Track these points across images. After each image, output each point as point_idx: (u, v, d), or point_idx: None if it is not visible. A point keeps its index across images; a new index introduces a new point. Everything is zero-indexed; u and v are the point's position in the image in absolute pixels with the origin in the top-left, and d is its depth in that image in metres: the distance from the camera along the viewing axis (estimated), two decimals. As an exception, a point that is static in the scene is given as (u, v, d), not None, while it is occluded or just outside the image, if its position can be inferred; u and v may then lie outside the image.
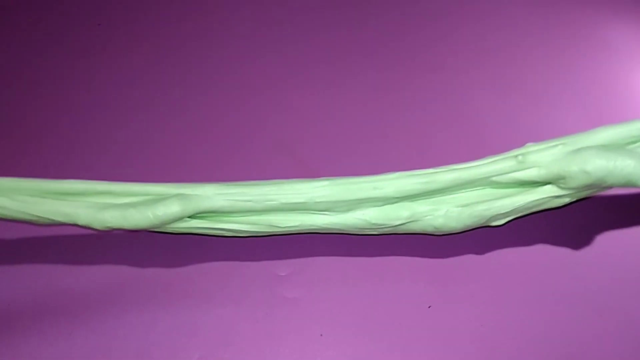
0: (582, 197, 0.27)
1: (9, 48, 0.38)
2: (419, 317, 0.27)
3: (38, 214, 0.26)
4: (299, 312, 0.27)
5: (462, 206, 0.26)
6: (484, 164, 0.26)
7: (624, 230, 0.29)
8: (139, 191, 0.27)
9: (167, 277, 0.28)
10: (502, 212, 0.26)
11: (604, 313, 0.26)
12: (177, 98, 0.35)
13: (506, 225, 0.27)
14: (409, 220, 0.26)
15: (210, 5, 0.40)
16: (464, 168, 0.26)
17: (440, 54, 0.37)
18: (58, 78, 0.37)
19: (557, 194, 0.26)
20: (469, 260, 0.28)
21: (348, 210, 0.26)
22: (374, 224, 0.26)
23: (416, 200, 0.27)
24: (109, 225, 0.26)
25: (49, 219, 0.26)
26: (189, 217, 0.27)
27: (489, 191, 0.27)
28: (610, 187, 0.25)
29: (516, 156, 0.26)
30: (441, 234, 0.27)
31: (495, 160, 0.26)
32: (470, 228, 0.27)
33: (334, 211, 0.27)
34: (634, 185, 0.25)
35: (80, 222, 0.26)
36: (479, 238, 0.29)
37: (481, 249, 0.28)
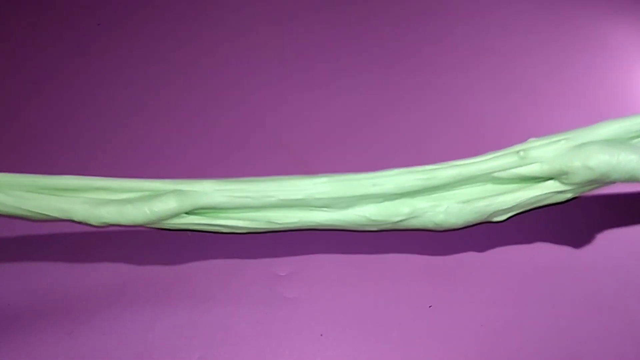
0: (584, 192, 0.27)
1: (9, 48, 0.38)
2: (419, 316, 0.26)
3: (34, 210, 0.26)
4: (299, 312, 0.27)
5: (463, 202, 0.26)
6: (485, 160, 0.26)
7: (627, 229, 0.29)
8: (135, 187, 0.27)
9: (167, 277, 0.28)
10: (504, 207, 0.26)
11: (604, 313, 0.26)
12: (176, 97, 0.35)
13: (507, 223, 0.27)
14: (409, 217, 0.26)
15: (210, 5, 0.40)
16: (465, 164, 0.26)
17: (440, 53, 0.37)
18: (58, 78, 0.37)
19: (559, 190, 0.26)
20: (470, 258, 0.28)
21: (347, 206, 0.26)
22: (373, 220, 0.26)
23: (416, 196, 0.26)
24: (105, 221, 0.26)
25: (44, 214, 0.26)
26: (186, 213, 0.26)
27: (490, 187, 0.27)
28: (613, 182, 0.25)
29: (518, 152, 0.26)
30: (442, 229, 0.27)
31: (496, 156, 0.26)
32: (471, 224, 0.27)
33: (333, 208, 0.26)
34: (637, 180, 0.24)
35: (76, 218, 0.26)
36: (480, 236, 0.29)
37: (482, 247, 0.28)
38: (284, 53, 0.37)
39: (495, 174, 0.26)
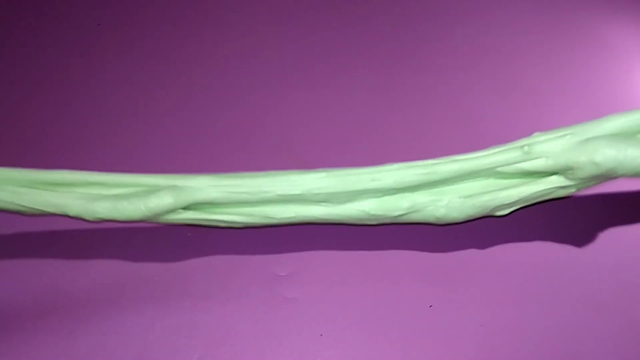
0: (588, 186, 0.26)
1: (8, 47, 0.38)
2: (419, 316, 0.26)
3: (27, 205, 0.26)
4: (299, 312, 0.27)
5: (465, 197, 0.26)
6: (488, 155, 0.25)
7: (629, 229, 0.29)
8: (130, 182, 0.26)
9: (167, 277, 0.28)
10: (506, 202, 0.26)
11: (605, 313, 0.26)
12: (176, 97, 0.35)
13: (508, 221, 0.27)
14: (409, 211, 0.26)
15: (210, 5, 0.40)
16: (467, 159, 0.25)
17: (440, 53, 0.37)
18: (58, 78, 0.37)
19: (563, 185, 0.25)
20: (471, 257, 0.28)
21: (346, 201, 0.26)
22: (372, 214, 0.26)
23: (416, 191, 0.26)
24: (100, 216, 0.26)
25: (38, 209, 0.26)
26: (182, 208, 0.26)
27: (492, 181, 0.26)
28: (619, 177, 0.25)
29: (522, 146, 0.25)
30: (443, 223, 0.27)
31: (499, 151, 0.25)
32: (473, 218, 0.26)
33: (331, 202, 0.26)
34: None
35: (70, 213, 0.26)
36: (481, 235, 0.29)
37: (483, 245, 0.28)
38: (283, 52, 0.37)
39: (499, 169, 0.25)
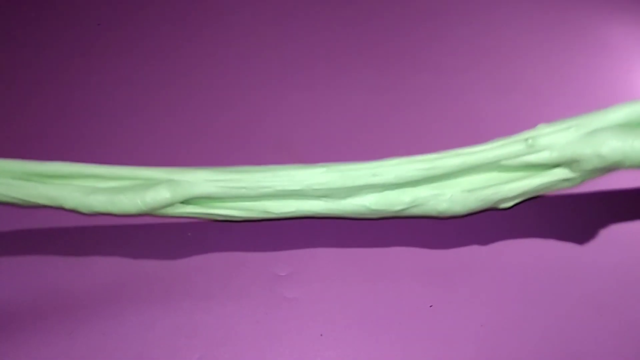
0: (592, 178, 0.26)
1: (8, 47, 0.38)
2: (419, 316, 0.26)
3: (22, 197, 0.26)
4: (299, 312, 0.27)
5: (468, 191, 0.25)
6: (491, 148, 0.25)
7: (630, 228, 0.29)
8: (127, 175, 0.26)
9: (167, 277, 0.28)
10: (510, 195, 0.25)
11: (605, 313, 0.26)
12: (176, 97, 0.35)
13: (508, 220, 0.27)
14: (410, 206, 0.25)
15: (209, 4, 0.40)
16: (470, 152, 0.25)
17: (440, 53, 0.37)
18: (57, 78, 0.37)
19: (567, 177, 0.25)
20: (471, 256, 0.28)
21: (346, 196, 0.26)
22: (373, 209, 0.26)
23: (418, 185, 0.26)
24: (96, 210, 0.25)
25: (33, 202, 0.26)
26: (179, 202, 0.26)
27: (495, 175, 0.26)
28: (626, 168, 0.24)
29: (526, 139, 0.25)
30: (445, 217, 0.26)
31: (503, 144, 0.25)
32: (476, 211, 0.26)
33: (331, 198, 0.26)
34: None
35: (66, 206, 0.25)
36: (482, 233, 0.29)
37: (484, 244, 0.28)
38: (284, 51, 0.37)
39: (502, 162, 0.25)
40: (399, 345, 0.26)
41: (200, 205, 0.26)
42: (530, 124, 0.33)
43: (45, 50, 0.38)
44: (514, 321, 0.26)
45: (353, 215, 0.26)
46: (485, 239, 0.29)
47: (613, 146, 0.23)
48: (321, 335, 0.26)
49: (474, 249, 0.28)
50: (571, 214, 0.29)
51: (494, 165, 0.25)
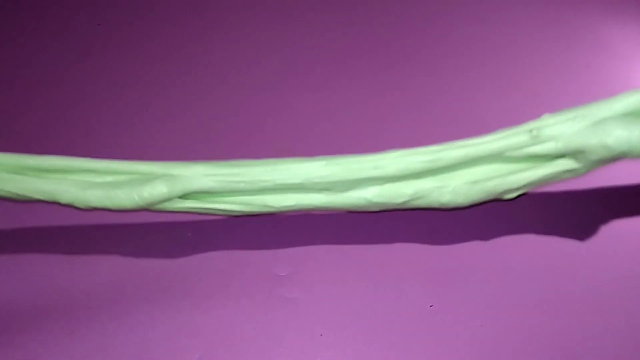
0: (596, 168, 0.25)
1: (8, 47, 0.38)
2: (419, 316, 0.26)
3: (17, 192, 0.25)
4: (299, 312, 0.27)
5: (471, 183, 0.25)
6: (494, 140, 0.25)
7: (635, 223, 0.29)
8: (124, 169, 0.26)
9: (167, 277, 0.28)
10: (514, 187, 0.25)
11: (605, 313, 0.26)
12: (176, 98, 0.35)
13: (508, 220, 0.27)
14: (412, 198, 0.25)
15: (210, 5, 0.40)
16: (473, 144, 0.25)
17: (441, 54, 0.37)
18: (57, 78, 0.37)
19: (572, 167, 0.25)
20: (471, 256, 0.28)
21: (347, 189, 0.25)
22: (374, 202, 0.25)
23: (420, 177, 0.25)
24: (92, 205, 0.25)
25: (28, 196, 0.25)
26: (177, 197, 0.26)
27: (498, 166, 0.25)
28: (632, 158, 0.24)
29: (530, 130, 0.24)
30: (448, 209, 0.26)
31: (507, 135, 0.24)
32: (479, 202, 0.26)
33: (332, 191, 0.25)
34: None
35: (62, 201, 0.25)
36: (482, 233, 0.28)
37: (484, 243, 0.28)
38: (285, 53, 0.37)
39: (506, 154, 0.25)
40: (399, 345, 0.26)
41: (198, 199, 0.26)
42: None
43: (45, 50, 0.38)
44: (514, 321, 0.26)
45: (354, 209, 0.26)
46: (485, 238, 0.29)
47: (619, 136, 0.23)
48: (321, 335, 0.26)
49: (474, 249, 0.28)
50: (573, 211, 0.29)
51: (497, 157, 0.25)
